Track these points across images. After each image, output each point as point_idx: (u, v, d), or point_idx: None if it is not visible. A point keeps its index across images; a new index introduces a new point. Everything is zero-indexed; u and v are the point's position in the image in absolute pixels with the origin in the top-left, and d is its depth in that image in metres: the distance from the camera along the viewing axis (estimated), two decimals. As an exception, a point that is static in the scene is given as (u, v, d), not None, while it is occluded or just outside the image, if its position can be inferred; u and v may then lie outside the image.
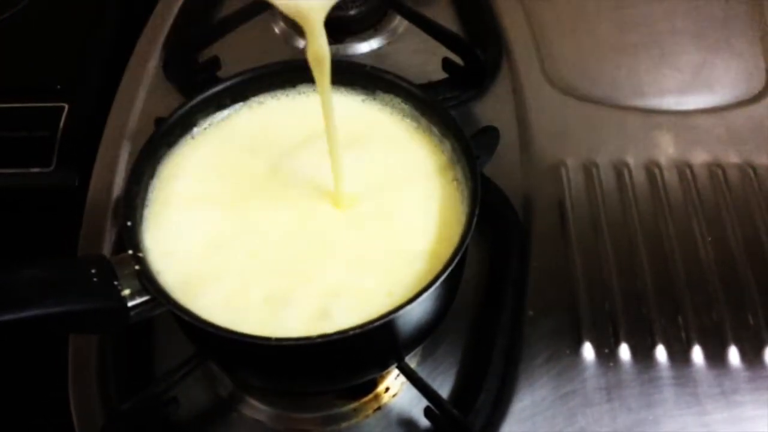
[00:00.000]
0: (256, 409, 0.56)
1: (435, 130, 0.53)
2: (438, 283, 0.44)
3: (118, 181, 0.67)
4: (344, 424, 0.55)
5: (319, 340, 0.41)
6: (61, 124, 0.70)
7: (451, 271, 0.44)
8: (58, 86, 0.73)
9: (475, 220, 0.46)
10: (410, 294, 0.43)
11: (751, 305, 0.59)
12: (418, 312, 0.46)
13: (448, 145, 0.52)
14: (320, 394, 0.56)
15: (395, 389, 0.57)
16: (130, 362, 0.57)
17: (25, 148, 0.69)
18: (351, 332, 0.42)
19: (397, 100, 0.54)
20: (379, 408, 0.56)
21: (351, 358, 0.48)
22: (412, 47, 0.78)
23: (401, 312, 0.43)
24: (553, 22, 0.80)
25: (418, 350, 0.58)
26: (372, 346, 0.47)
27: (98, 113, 0.72)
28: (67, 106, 0.71)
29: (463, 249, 0.45)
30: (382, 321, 0.42)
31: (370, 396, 0.56)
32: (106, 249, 0.63)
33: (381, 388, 0.57)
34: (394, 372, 0.57)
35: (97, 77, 0.75)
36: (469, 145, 0.50)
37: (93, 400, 0.54)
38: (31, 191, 0.68)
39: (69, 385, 0.55)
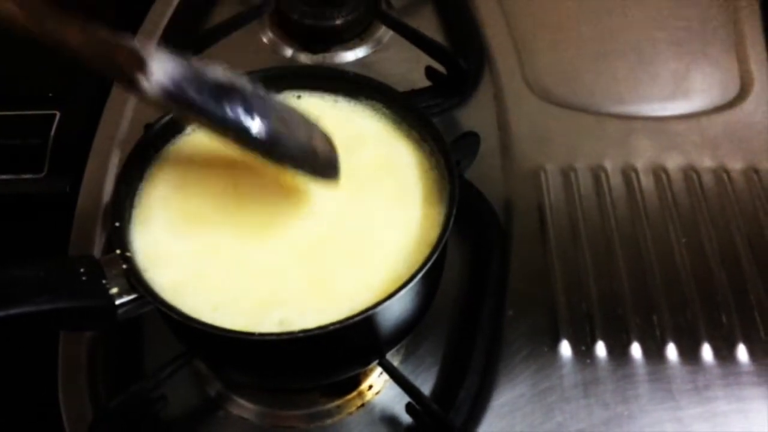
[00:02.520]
0: (242, 407, 0.57)
1: (414, 133, 0.55)
2: (416, 281, 0.45)
3: (108, 188, 0.68)
4: (329, 421, 0.57)
5: (301, 334, 0.43)
6: (53, 131, 0.71)
7: (429, 269, 0.46)
8: (50, 94, 0.74)
9: (452, 220, 0.48)
10: (389, 291, 0.45)
11: (724, 305, 0.61)
12: (397, 308, 0.48)
13: (427, 148, 0.54)
14: (305, 391, 0.57)
15: (378, 387, 0.58)
16: (120, 361, 0.58)
17: (17, 155, 0.70)
18: (331, 327, 0.43)
19: (378, 106, 0.56)
20: (362, 405, 0.57)
21: (333, 353, 0.49)
22: (397, 56, 0.80)
23: (380, 308, 0.44)
24: (534, 31, 0.82)
25: (400, 349, 0.59)
26: (353, 341, 0.49)
27: (89, 121, 0.73)
28: (58, 114, 0.72)
29: (440, 248, 0.47)
30: (361, 316, 0.44)
31: (354, 393, 0.58)
32: (96, 254, 0.64)
33: (364, 385, 0.58)
34: (377, 370, 0.58)
35: (89, 85, 0.77)
36: (446, 148, 0.51)
37: (83, 397, 0.55)
38: (23, 197, 0.69)
39: (59, 383, 0.56)
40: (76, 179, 0.69)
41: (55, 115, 0.73)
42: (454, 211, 0.48)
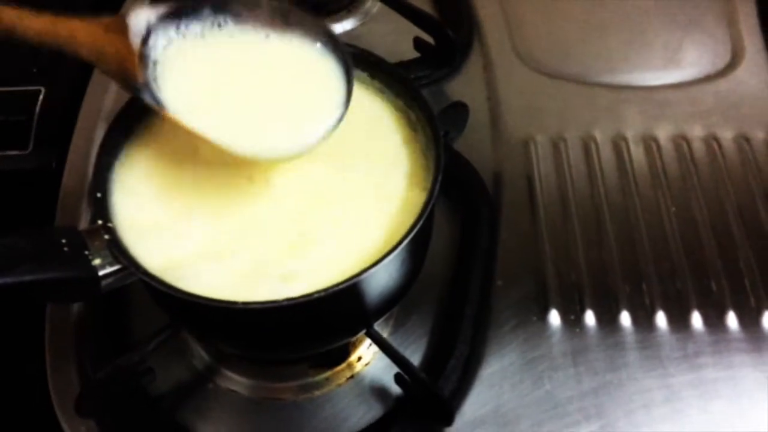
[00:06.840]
0: (231, 380, 0.57)
1: (400, 101, 0.54)
2: (401, 248, 0.44)
3: (93, 163, 0.68)
4: (318, 393, 0.57)
5: (285, 303, 0.42)
6: (38, 107, 0.71)
7: (415, 236, 0.45)
8: (34, 70, 0.74)
9: (438, 186, 0.47)
10: (375, 258, 0.44)
11: (714, 272, 0.61)
12: (383, 276, 0.48)
13: (413, 115, 0.53)
14: (294, 363, 0.57)
15: (368, 358, 0.58)
16: (107, 334, 0.58)
17: (2, 132, 0.69)
18: (316, 295, 0.43)
19: (363, 75, 0.55)
20: (352, 376, 0.57)
21: (319, 322, 0.49)
22: (385, 28, 0.79)
23: (365, 275, 0.44)
24: (523, 0, 0.81)
25: (389, 320, 0.59)
26: (339, 310, 0.48)
27: (74, 96, 0.72)
28: (43, 90, 0.72)
29: (426, 214, 0.46)
30: (346, 284, 0.43)
31: (343, 365, 0.58)
32: (83, 228, 0.63)
33: (354, 357, 0.58)
34: (366, 341, 0.58)
35: (73, 61, 0.75)
36: (431, 114, 0.51)
37: (70, 370, 0.55)
38: (9, 174, 0.68)
39: (46, 356, 0.56)
40: (62, 155, 0.68)
41: (39, 90, 0.72)
42: (440, 177, 0.47)
